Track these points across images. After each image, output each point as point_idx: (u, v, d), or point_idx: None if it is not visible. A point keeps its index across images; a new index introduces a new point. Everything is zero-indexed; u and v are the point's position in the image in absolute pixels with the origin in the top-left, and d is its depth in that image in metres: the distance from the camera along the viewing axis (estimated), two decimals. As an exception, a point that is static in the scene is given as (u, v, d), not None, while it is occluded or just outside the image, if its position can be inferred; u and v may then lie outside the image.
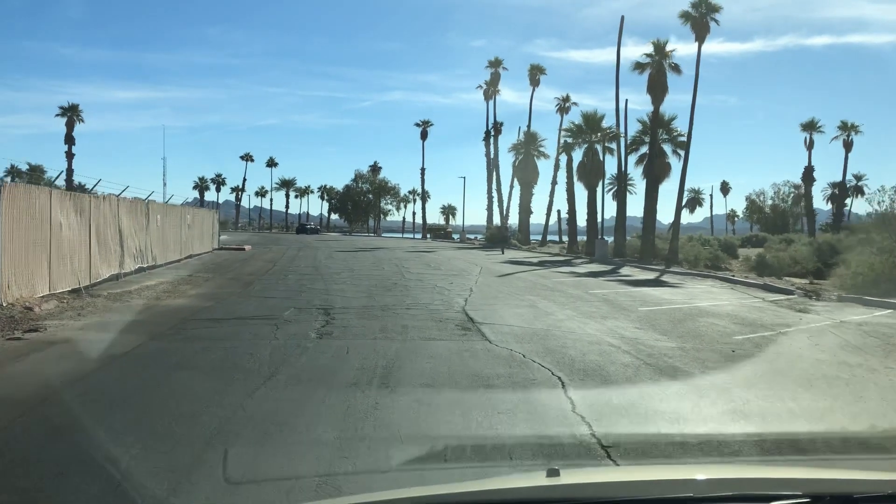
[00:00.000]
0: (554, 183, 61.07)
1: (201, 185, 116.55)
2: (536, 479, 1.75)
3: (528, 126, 57.07)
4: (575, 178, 40.03)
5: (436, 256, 32.10)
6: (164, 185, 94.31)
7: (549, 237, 61.27)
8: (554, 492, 1.65)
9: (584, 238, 44.52)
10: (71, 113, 69.43)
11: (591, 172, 38.09)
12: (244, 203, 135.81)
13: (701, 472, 1.89)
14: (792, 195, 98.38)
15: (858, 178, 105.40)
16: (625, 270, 26.85)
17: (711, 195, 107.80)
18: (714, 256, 32.56)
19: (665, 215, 45.79)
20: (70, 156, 69.56)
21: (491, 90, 59.36)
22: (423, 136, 78.92)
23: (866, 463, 4.63)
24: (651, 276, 24.22)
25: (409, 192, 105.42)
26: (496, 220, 60.98)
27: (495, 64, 57.81)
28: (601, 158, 38.70)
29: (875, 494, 1.70)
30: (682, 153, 40.94)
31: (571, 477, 1.86)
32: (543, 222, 62.77)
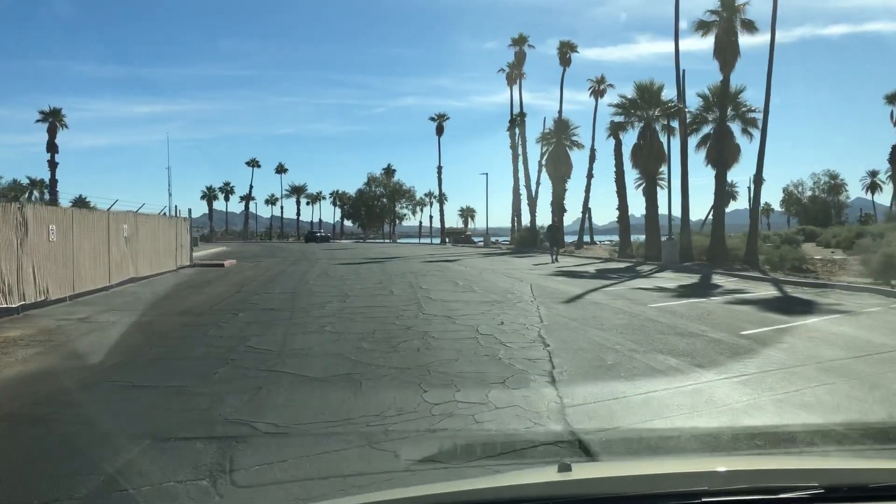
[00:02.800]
0: (590, 176, 54.07)
1: (209, 195, 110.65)
2: (548, 474, 1.64)
3: (560, 112, 49.92)
4: (629, 165, 32.71)
5: (462, 268, 25.08)
6: (170, 195, 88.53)
7: (573, 238, 54.02)
8: (565, 487, 1.56)
9: (629, 237, 37.26)
10: (53, 118, 63.16)
11: (649, 156, 30.79)
12: (261, 213, 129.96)
13: (714, 465, 1.80)
14: (829, 185, 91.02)
15: (874, 174, 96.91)
16: (721, 281, 19.69)
17: (749, 187, 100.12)
18: (799, 257, 25.53)
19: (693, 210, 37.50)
20: (53, 165, 63.49)
21: (515, 73, 52.19)
22: (439, 131, 72.06)
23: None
24: (770, 290, 17.03)
25: (426, 195, 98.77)
26: (525, 219, 53.93)
27: (519, 41, 50.55)
28: (661, 139, 31.43)
29: (892, 484, 1.59)
30: (752, 132, 33.93)
31: (583, 472, 1.80)
32: (578, 221, 55.61)
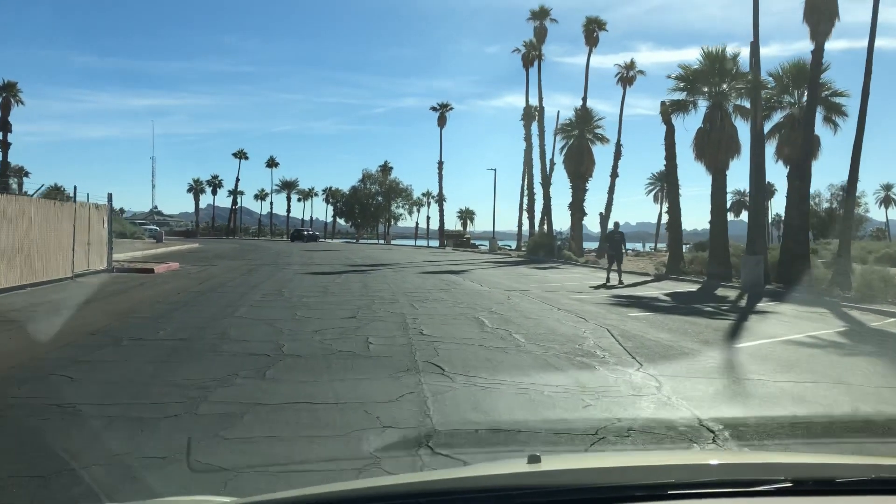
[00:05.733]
0: (614, 175, 46.97)
1: (196, 188, 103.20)
2: (517, 466, 1.60)
3: (584, 100, 42.98)
4: (692, 157, 25.54)
5: (477, 286, 17.97)
6: (153, 187, 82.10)
7: (593, 244, 47.07)
8: (532, 478, 1.53)
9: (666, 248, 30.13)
10: (6, 93, 55.76)
11: (719, 145, 23.67)
12: (253, 209, 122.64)
13: (681, 459, 1.77)
14: (839, 198, 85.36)
15: (888, 187, 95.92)
16: (881, 325, 12.72)
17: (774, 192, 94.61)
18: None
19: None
20: (6, 145, 56.08)
21: (533, 54, 45.08)
22: (441, 122, 65.03)
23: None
24: None
25: (423, 195, 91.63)
26: (537, 223, 46.86)
27: (540, 15, 43.40)
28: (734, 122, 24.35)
29: (857, 479, 1.60)
30: (837, 121, 26.97)
31: (551, 463, 1.72)
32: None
